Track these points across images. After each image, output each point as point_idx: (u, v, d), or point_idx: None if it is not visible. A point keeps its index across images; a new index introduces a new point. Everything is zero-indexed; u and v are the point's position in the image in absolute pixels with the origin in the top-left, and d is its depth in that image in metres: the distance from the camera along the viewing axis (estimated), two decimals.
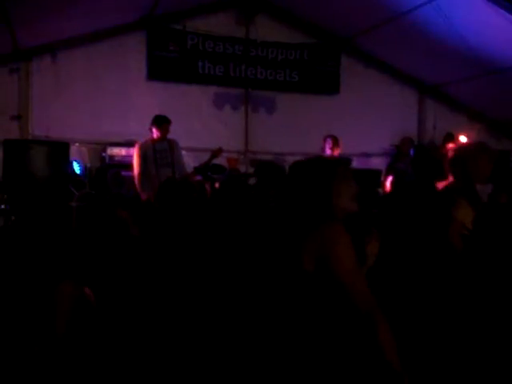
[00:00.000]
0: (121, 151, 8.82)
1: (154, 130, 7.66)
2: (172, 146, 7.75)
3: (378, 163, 10.35)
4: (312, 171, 2.50)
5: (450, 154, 4.08)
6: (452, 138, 10.03)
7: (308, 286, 2.33)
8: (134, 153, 7.69)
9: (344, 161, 8.36)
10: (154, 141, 7.66)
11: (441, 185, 4.04)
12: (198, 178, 8.59)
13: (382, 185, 8.42)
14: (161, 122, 7.65)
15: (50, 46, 8.87)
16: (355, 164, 9.28)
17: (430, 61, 9.68)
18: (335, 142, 8.38)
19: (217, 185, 8.16)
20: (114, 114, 9.19)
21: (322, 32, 10.45)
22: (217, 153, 7.94)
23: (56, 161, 7.90)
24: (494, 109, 10.50)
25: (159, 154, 7.63)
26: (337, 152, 8.43)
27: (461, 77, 9.91)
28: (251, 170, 9.82)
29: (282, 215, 2.54)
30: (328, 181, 2.45)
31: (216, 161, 8.33)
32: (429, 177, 4.80)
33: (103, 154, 8.91)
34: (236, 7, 10.00)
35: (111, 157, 8.82)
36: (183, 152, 8.17)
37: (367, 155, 10.37)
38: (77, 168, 8.71)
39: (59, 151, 8.02)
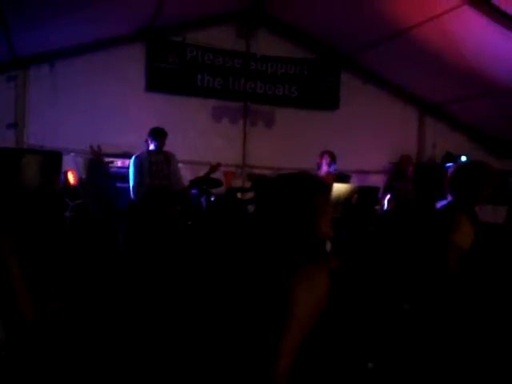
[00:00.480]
0: (117, 162, 8.74)
1: (150, 142, 7.61)
2: (168, 158, 7.69)
3: (377, 180, 10.28)
4: (296, 190, 2.38)
5: (450, 172, 4.01)
6: (452, 157, 9.97)
7: None
8: (131, 164, 7.64)
9: (342, 176, 8.29)
10: (150, 153, 7.61)
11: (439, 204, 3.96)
12: (194, 191, 8.52)
13: (380, 202, 8.33)
14: (157, 134, 7.60)
15: (48, 54, 8.82)
16: (353, 180, 9.18)
17: (431, 79, 9.64)
18: (332, 158, 8.26)
19: (212, 198, 8.09)
20: (111, 125, 9.11)
21: (322, 47, 10.42)
22: (215, 167, 7.87)
23: (49, 170, 7.82)
24: (495, 128, 10.46)
25: (155, 166, 7.56)
26: (333, 168, 8.32)
27: (461, 96, 9.86)
28: (248, 185, 9.75)
29: (263, 235, 2.42)
30: (312, 203, 2.34)
31: (213, 174, 8.24)
32: (428, 196, 4.73)
33: None
34: (236, 20, 9.97)
35: (107, 168, 8.72)
36: (180, 164, 8.11)
37: (365, 172, 10.30)
38: (72, 178, 8.62)
39: (52, 161, 7.94)
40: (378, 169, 10.59)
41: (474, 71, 8.63)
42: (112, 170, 8.72)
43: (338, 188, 7.41)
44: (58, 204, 7.86)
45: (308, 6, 8.94)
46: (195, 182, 7.97)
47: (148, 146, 7.65)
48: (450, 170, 3.99)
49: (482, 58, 8.26)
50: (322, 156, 8.31)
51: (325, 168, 8.18)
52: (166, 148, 7.75)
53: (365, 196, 7.60)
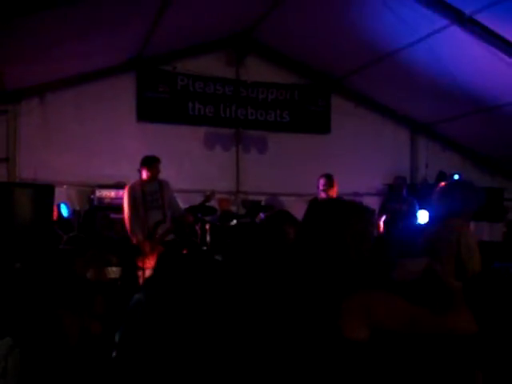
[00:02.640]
0: (110, 193, 8.69)
1: (144, 171, 7.41)
2: (162, 187, 7.49)
3: (371, 202, 10.24)
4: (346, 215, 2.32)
5: (437, 190, 4.09)
6: (445, 176, 9.96)
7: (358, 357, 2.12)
8: (124, 195, 7.46)
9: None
10: (143, 182, 7.41)
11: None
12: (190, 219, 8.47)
13: (376, 225, 8.24)
14: (150, 162, 7.41)
15: (39, 87, 8.82)
16: None
17: (422, 99, 9.67)
18: (327, 182, 7.86)
19: (207, 226, 8.03)
20: (103, 156, 9.09)
21: (312, 72, 10.47)
22: (210, 196, 7.80)
23: (41, 204, 7.74)
24: (487, 146, 10.48)
25: (149, 196, 7.40)
26: (333, 192, 7.90)
27: (452, 115, 9.90)
28: (243, 211, 9.70)
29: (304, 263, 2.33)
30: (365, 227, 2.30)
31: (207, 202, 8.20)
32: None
33: (92, 197, 8.77)
34: (226, 48, 10.01)
35: (100, 199, 8.68)
36: (174, 194, 8.03)
37: (359, 194, 10.25)
38: (65, 211, 8.56)
39: (44, 194, 7.86)
40: (372, 191, 10.57)
41: (463, 90, 8.68)
42: (105, 201, 8.68)
43: None
44: (52, 237, 7.77)
45: (296, 31, 9.00)
46: (190, 211, 7.91)
47: (141, 176, 7.47)
48: (437, 188, 4.06)
49: (471, 77, 8.32)
50: (318, 180, 7.97)
51: (322, 194, 7.82)
52: (159, 177, 7.63)
53: None
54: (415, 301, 2.16)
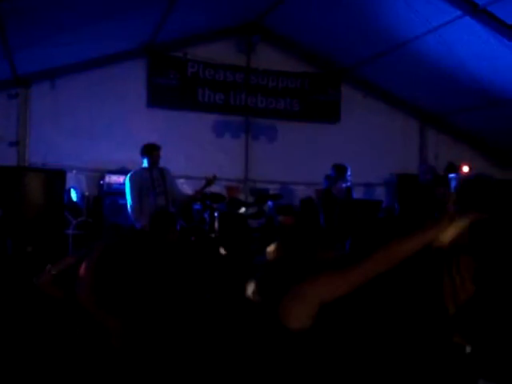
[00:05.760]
0: (119, 179, 8.68)
1: (145, 159, 7.43)
2: (163, 174, 7.52)
3: (379, 193, 10.26)
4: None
5: (453, 185, 3.99)
6: (454, 167, 9.93)
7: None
8: (127, 182, 7.46)
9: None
10: (145, 170, 7.44)
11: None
12: (198, 206, 8.49)
13: None
14: (150, 150, 7.40)
15: (50, 72, 8.83)
16: (356, 194, 9.12)
17: (432, 90, 9.64)
18: (337, 173, 7.79)
19: (216, 214, 8.05)
20: (112, 141, 9.09)
21: (322, 61, 10.43)
22: (211, 181, 7.76)
23: (52, 188, 7.78)
24: (497, 138, 10.44)
25: (152, 182, 7.42)
26: (343, 185, 7.81)
27: (463, 106, 9.85)
28: (251, 199, 9.72)
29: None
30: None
31: (215, 189, 8.20)
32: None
33: (101, 182, 8.80)
34: (237, 36, 9.98)
35: (109, 185, 8.71)
36: (182, 180, 8.06)
37: (368, 185, 10.26)
38: (74, 196, 8.60)
39: (55, 179, 7.91)
40: (381, 181, 10.56)
41: (475, 82, 8.63)
42: (114, 186, 8.69)
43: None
44: (62, 221, 7.82)
45: (308, 20, 8.96)
46: (194, 198, 7.90)
47: (143, 163, 7.47)
48: (456, 185, 3.96)
49: (483, 69, 8.27)
50: (344, 170, 7.86)
51: (346, 182, 7.77)
52: (168, 164, 7.66)
53: (367, 209, 7.56)
54: None
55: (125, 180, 7.90)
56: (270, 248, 2.48)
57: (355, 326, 2.38)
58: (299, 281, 2.21)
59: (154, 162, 7.42)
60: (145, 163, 7.43)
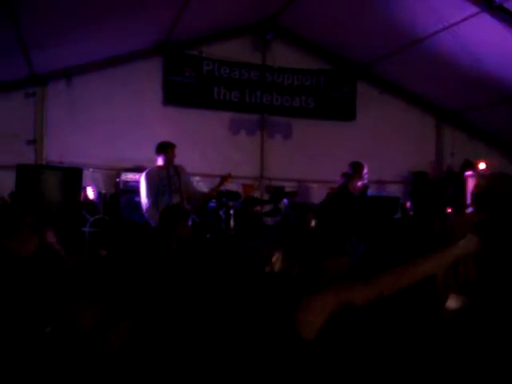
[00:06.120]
0: (135, 176, 8.72)
1: (160, 157, 7.43)
2: (179, 171, 7.49)
3: (395, 190, 10.22)
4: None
5: (471, 182, 3.96)
6: (470, 165, 9.89)
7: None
8: (142, 180, 7.46)
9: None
10: (160, 168, 7.45)
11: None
12: (213, 204, 8.50)
13: None
14: (165, 147, 7.40)
15: (66, 70, 8.89)
16: (371, 191, 9.08)
17: (448, 87, 9.60)
18: (354, 170, 7.67)
19: (232, 211, 8.06)
20: (129, 139, 9.14)
21: (337, 58, 10.42)
22: (226, 178, 7.75)
23: (69, 186, 7.84)
24: None
25: (167, 180, 7.43)
26: (359, 183, 7.70)
27: (479, 103, 9.81)
28: (266, 197, 9.73)
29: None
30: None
31: (231, 187, 8.21)
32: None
33: (117, 180, 8.85)
34: (252, 33, 9.99)
35: (125, 182, 8.76)
36: (197, 178, 8.06)
37: (384, 182, 10.23)
38: (91, 193, 8.65)
39: (72, 177, 7.97)
40: (397, 178, 10.54)
41: (491, 79, 8.58)
42: (130, 184, 8.73)
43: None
44: (77, 219, 7.87)
45: (323, 17, 8.94)
46: (209, 195, 7.90)
47: (158, 162, 7.48)
48: (474, 183, 3.93)
49: (500, 66, 8.22)
50: (361, 168, 7.74)
51: (364, 180, 7.68)
52: (184, 162, 7.67)
53: (384, 206, 7.54)
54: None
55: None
56: (275, 258, 2.49)
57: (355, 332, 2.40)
58: (309, 292, 2.23)
59: (169, 160, 7.41)
60: (160, 161, 7.44)
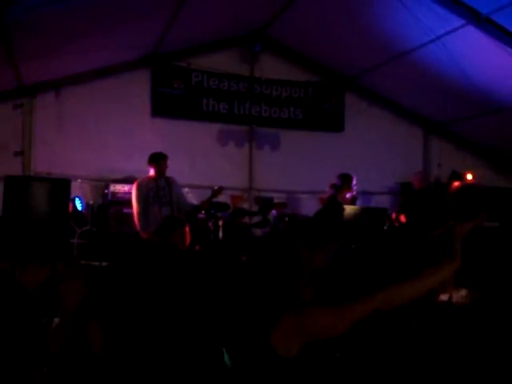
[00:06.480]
0: (123, 188, 8.73)
1: (152, 168, 7.47)
2: (170, 183, 7.53)
3: (383, 201, 10.25)
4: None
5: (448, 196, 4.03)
6: (458, 176, 9.94)
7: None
8: (133, 191, 7.48)
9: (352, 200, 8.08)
10: (151, 179, 7.46)
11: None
12: (201, 215, 8.49)
13: None
14: (158, 158, 7.46)
15: (54, 82, 8.88)
16: (359, 202, 9.11)
17: (436, 99, 9.66)
18: (342, 182, 7.77)
19: (220, 223, 8.06)
20: (117, 151, 9.13)
21: (326, 70, 10.47)
22: (217, 192, 7.79)
23: (57, 198, 7.80)
24: (501, 147, 10.44)
25: (158, 192, 7.43)
26: (348, 194, 7.78)
27: (466, 114, 9.88)
28: (255, 208, 9.73)
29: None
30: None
31: (220, 198, 8.22)
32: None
33: (105, 191, 8.83)
34: (240, 46, 10.02)
35: (113, 193, 8.74)
36: (187, 189, 8.07)
37: (371, 193, 10.26)
38: (79, 205, 8.61)
39: (60, 188, 7.93)
40: (384, 190, 10.59)
41: (478, 90, 8.64)
42: (118, 195, 8.72)
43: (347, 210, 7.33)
44: (67, 231, 7.84)
45: (311, 29, 9.00)
46: (200, 208, 7.91)
47: (149, 173, 7.51)
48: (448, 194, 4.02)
49: (486, 77, 8.30)
50: (350, 179, 7.83)
51: (352, 192, 7.77)
52: (173, 173, 7.68)
53: (373, 217, 7.55)
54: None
55: (130, 189, 7.94)
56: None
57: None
58: (291, 304, 2.21)
59: (161, 171, 7.45)
60: (152, 172, 7.46)
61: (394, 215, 8.40)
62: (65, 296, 2.83)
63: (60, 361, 2.81)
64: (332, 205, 7.57)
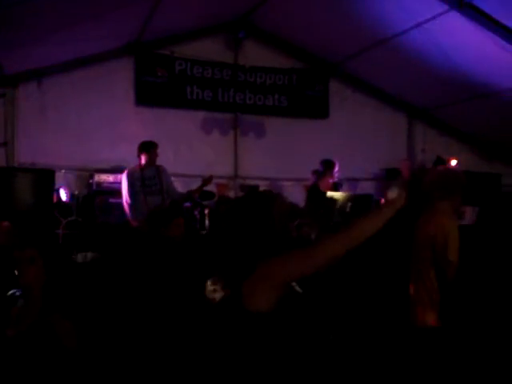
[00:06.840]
0: (108, 178, 8.70)
1: (143, 156, 7.49)
2: (160, 172, 7.57)
3: (367, 187, 10.30)
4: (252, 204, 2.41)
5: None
6: (442, 161, 9.99)
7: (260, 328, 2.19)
8: (123, 180, 7.52)
9: (335, 185, 8.15)
10: (142, 167, 7.48)
11: None
12: (187, 204, 8.49)
13: None
14: (148, 147, 7.50)
15: (37, 71, 8.78)
16: (344, 188, 9.14)
17: (420, 84, 9.69)
18: (325, 168, 7.91)
19: (206, 211, 8.06)
20: (101, 140, 9.07)
21: (310, 56, 10.45)
22: (208, 181, 7.83)
23: (41, 188, 7.76)
24: (485, 132, 10.50)
25: (148, 181, 7.45)
26: (330, 180, 7.90)
27: (450, 100, 9.91)
28: (241, 196, 9.72)
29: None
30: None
31: (205, 187, 8.22)
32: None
33: (90, 181, 8.78)
34: (224, 33, 9.97)
35: (99, 183, 8.69)
36: (172, 178, 8.05)
37: (356, 179, 10.29)
38: (63, 195, 8.57)
39: (45, 178, 7.89)
40: (369, 176, 10.62)
41: (462, 76, 8.68)
42: (104, 185, 8.68)
43: (332, 196, 7.39)
44: (52, 221, 7.80)
45: (295, 16, 8.98)
46: (188, 196, 7.93)
47: (140, 161, 7.54)
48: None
49: (470, 63, 8.33)
50: (332, 165, 7.95)
51: (334, 177, 7.87)
52: (158, 162, 7.67)
53: (358, 204, 7.58)
54: None
55: (115, 179, 7.94)
56: None
57: (315, 314, 2.40)
58: (265, 258, 2.23)
59: (151, 160, 7.48)
60: (142, 160, 7.47)
61: (382, 201, 8.43)
62: (23, 279, 2.81)
63: (16, 347, 2.78)
64: (313, 195, 7.64)
